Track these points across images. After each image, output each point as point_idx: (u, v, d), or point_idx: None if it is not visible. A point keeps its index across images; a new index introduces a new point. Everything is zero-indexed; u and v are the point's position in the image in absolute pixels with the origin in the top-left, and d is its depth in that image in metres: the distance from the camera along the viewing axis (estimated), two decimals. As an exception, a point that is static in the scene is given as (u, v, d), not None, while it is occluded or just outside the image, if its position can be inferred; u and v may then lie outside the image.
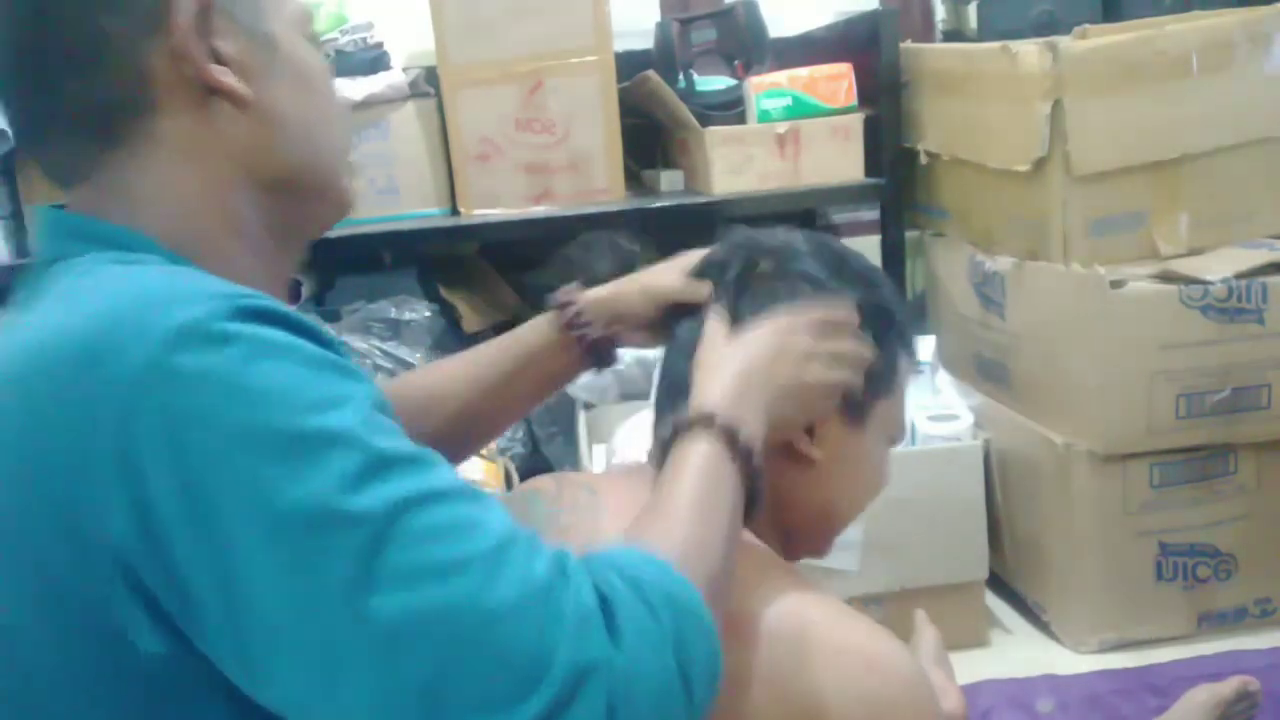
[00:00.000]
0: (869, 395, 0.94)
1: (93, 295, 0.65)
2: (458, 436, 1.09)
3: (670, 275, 1.02)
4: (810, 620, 0.80)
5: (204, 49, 0.72)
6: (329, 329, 0.68)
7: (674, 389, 0.93)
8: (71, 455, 0.59)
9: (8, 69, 0.73)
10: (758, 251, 0.96)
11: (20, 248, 2.05)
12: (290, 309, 0.65)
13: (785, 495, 0.93)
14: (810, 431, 0.93)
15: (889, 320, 0.96)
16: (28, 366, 0.63)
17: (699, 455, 0.77)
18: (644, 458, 1.01)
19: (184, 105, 0.72)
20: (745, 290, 0.94)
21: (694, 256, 1.02)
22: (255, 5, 0.76)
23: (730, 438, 0.78)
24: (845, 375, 0.90)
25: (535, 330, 1.08)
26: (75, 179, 0.74)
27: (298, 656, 0.58)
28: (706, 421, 0.79)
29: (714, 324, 0.91)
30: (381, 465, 0.60)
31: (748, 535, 0.86)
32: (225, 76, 0.73)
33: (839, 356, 0.89)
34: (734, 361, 0.85)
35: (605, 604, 0.62)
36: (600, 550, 0.68)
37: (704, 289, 0.96)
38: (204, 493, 0.58)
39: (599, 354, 1.08)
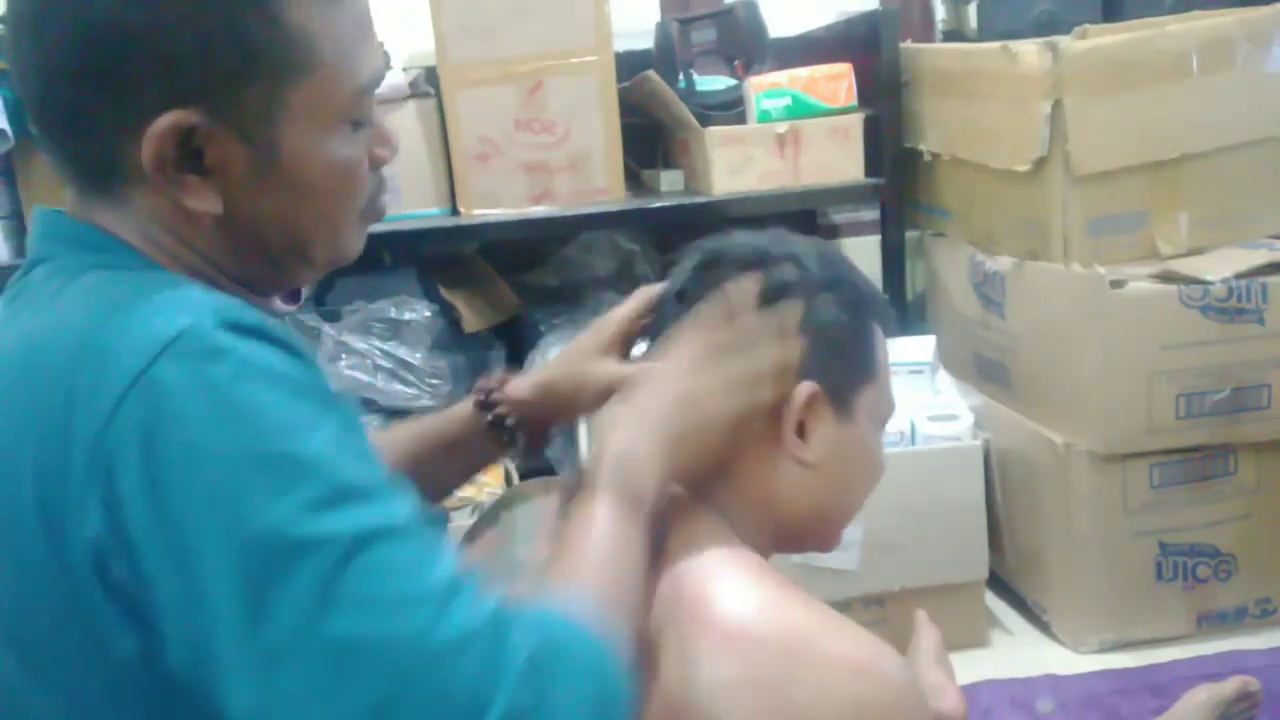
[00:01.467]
0: (853, 387, 0.92)
1: (76, 301, 0.65)
2: None
3: (604, 363, 0.97)
4: (798, 628, 0.79)
5: (174, 161, 0.68)
6: (306, 345, 0.69)
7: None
8: (55, 455, 0.61)
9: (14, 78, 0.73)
10: (717, 257, 0.94)
11: (20, 248, 2.06)
12: (275, 325, 0.66)
13: (787, 498, 0.91)
14: (800, 432, 0.90)
15: (861, 304, 0.95)
16: (12, 372, 0.65)
17: (605, 513, 0.76)
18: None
19: (159, 188, 0.70)
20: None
21: (616, 320, 0.98)
22: (266, 110, 0.69)
23: (633, 496, 0.78)
24: (745, 399, 0.85)
25: (459, 418, 1.03)
26: (71, 188, 0.74)
27: (250, 671, 0.59)
28: (609, 478, 0.77)
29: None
30: (346, 495, 0.61)
31: (736, 543, 0.86)
32: (190, 197, 0.69)
33: (737, 382, 0.85)
34: (629, 415, 0.83)
35: (535, 659, 0.64)
36: (532, 602, 0.69)
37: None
38: (171, 501, 0.59)
39: (527, 444, 1.03)
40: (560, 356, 1.01)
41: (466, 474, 1.08)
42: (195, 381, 0.60)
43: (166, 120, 0.66)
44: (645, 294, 0.98)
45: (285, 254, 0.76)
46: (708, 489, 0.89)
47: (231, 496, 0.59)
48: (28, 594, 0.63)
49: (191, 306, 0.63)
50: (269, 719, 0.60)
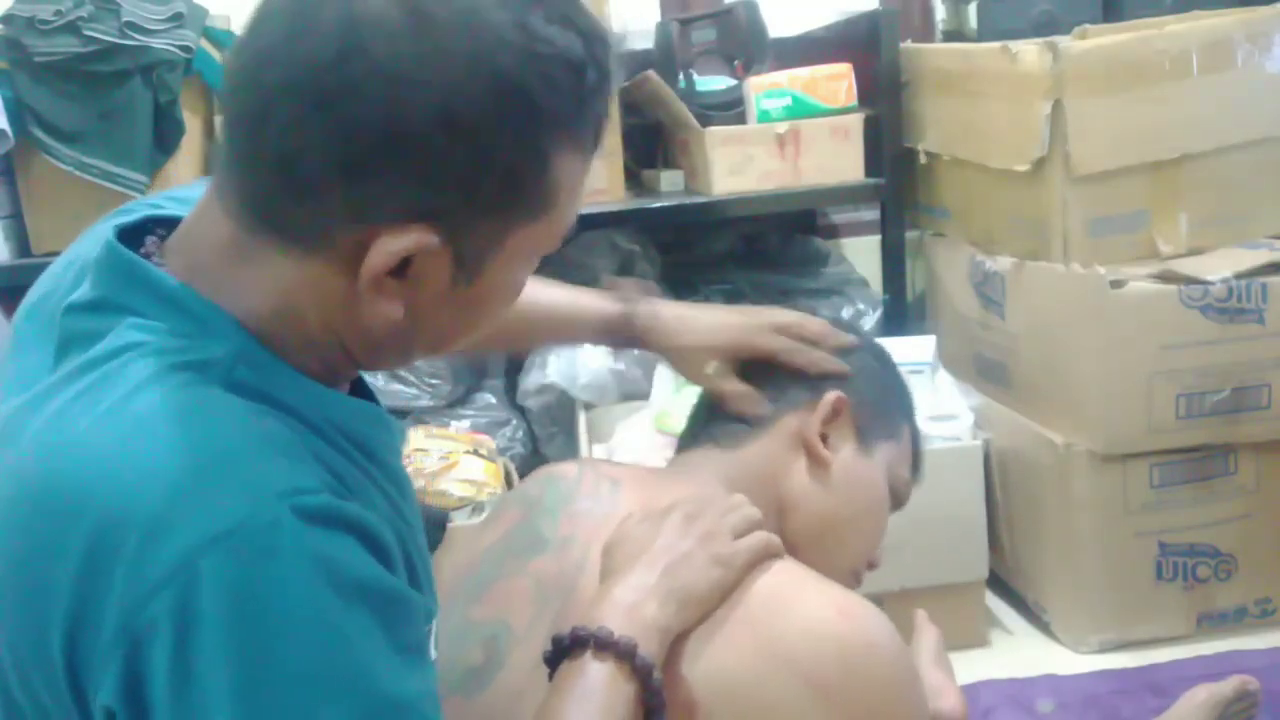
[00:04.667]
0: (877, 428, 1.03)
1: (131, 439, 0.62)
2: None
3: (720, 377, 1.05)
4: (787, 577, 0.85)
5: (384, 273, 0.65)
6: (385, 525, 0.67)
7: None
8: (89, 610, 0.59)
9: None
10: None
11: (21, 248, 2.05)
12: (349, 508, 0.63)
13: (796, 497, 0.99)
14: (824, 437, 0.99)
15: (901, 390, 1.11)
16: (48, 504, 0.62)
17: (597, 678, 0.76)
18: (655, 459, 1.04)
19: (341, 273, 0.65)
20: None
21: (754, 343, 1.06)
22: (490, 243, 0.67)
23: (630, 659, 0.77)
24: (727, 574, 0.84)
25: (600, 317, 1.10)
26: (237, 217, 0.67)
27: None
28: (602, 642, 0.77)
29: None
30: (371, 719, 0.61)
31: None
32: (382, 299, 0.66)
33: (720, 558, 0.86)
34: (625, 582, 0.83)
35: None
36: None
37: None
38: (195, 702, 0.58)
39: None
40: (725, 327, 1.08)
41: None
42: (240, 582, 0.58)
43: (412, 238, 0.63)
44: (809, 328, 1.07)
45: (414, 352, 0.74)
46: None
47: (256, 710, 0.58)
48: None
49: (261, 489, 0.60)
50: None
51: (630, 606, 0.79)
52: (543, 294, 1.09)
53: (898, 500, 1.08)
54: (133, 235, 0.72)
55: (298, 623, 0.59)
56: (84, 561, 0.60)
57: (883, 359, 1.11)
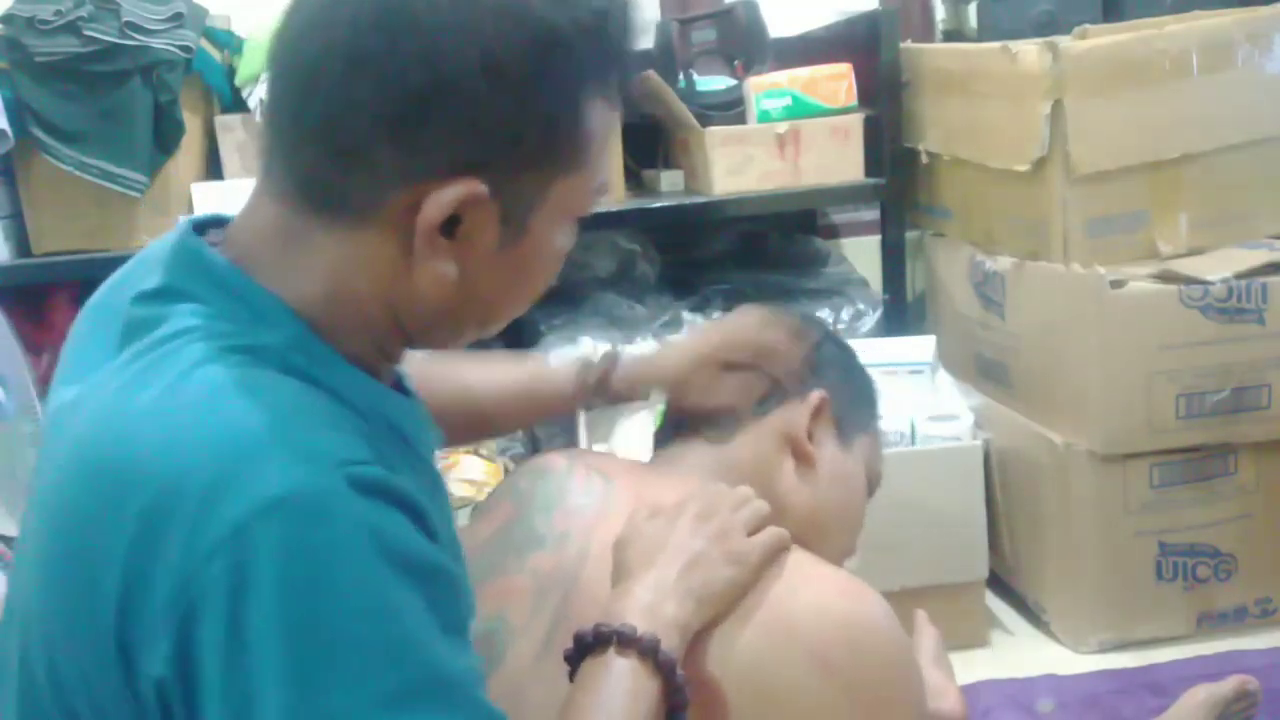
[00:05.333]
0: (855, 422, 1.04)
1: (188, 411, 0.63)
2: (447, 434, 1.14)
3: (712, 336, 1.06)
4: (796, 562, 0.87)
5: (437, 227, 0.67)
6: (429, 488, 0.70)
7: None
8: (141, 580, 0.60)
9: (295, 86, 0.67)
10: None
11: (20, 248, 2.05)
12: (399, 481, 0.64)
13: (784, 494, 0.98)
14: (809, 434, 1.00)
15: (863, 373, 1.11)
16: (104, 475, 0.63)
17: (621, 675, 0.76)
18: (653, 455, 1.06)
19: (393, 240, 0.67)
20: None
21: (734, 340, 1.06)
22: (533, 197, 0.69)
23: (653, 655, 0.77)
24: (742, 571, 0.85)
25: (559, 384, 1.11)
26: (283, 200, 0.69)
27: None
28: (625, 639, 0.78)
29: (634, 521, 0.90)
30: (421, 691, 0.60)
31: None
32: (438, 258, 0.67)
33: (734, 556, 0.86)
34: (644, 581, 0.83)
35: None
36: None
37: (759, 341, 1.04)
38: (246, 666, 0.58)
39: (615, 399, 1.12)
40: (687, 352, 1.08)
41: (536, 424, 1.22)
42: (294, 548, 0.59)
43: (462, 188, 0.65)
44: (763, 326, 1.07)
45: (467, 326, 0.75)
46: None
47: (306, 675, 0.58)
48: (107, 703, 0.63)
49: (313, 456, 0.61)
50: None
51: (649, 605, 0.80)
52: (499, 371, 1.12)
53: (870, 489, 1.08)
54: (204, 230, 0.74)
55: (350, 590, 0.59)
56: (138, 530, 0.60)
57: (846, 350, 1.11)
